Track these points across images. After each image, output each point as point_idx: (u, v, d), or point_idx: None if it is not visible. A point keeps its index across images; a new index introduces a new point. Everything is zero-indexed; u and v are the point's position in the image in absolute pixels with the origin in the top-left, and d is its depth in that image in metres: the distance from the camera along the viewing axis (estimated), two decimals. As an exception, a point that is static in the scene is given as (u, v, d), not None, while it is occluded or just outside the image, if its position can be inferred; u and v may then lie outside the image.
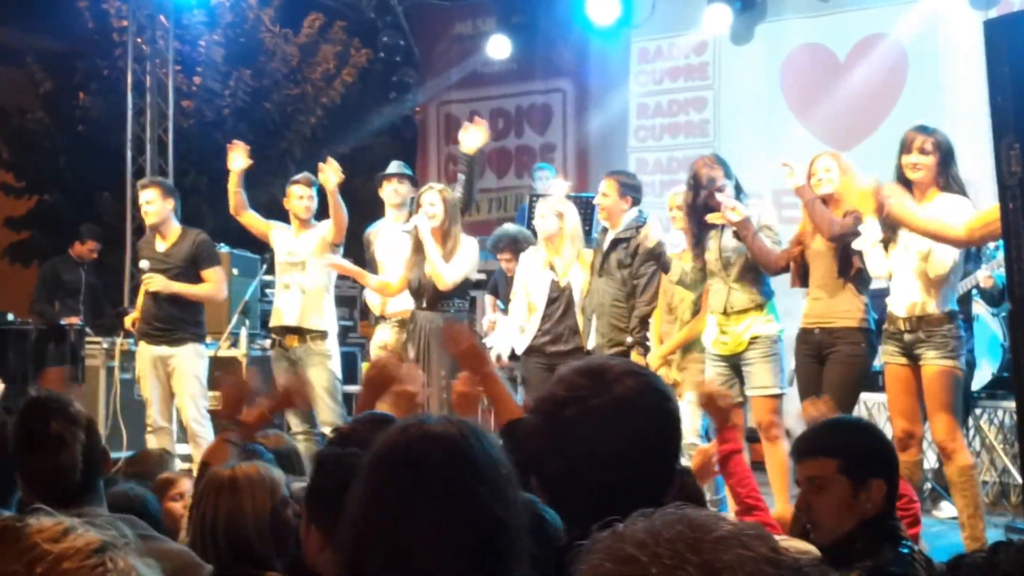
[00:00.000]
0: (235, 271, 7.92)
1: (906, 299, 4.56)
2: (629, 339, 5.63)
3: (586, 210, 6.69)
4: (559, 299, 5.93)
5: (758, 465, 5.41)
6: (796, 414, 5.13)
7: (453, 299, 5.89)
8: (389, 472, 1.57)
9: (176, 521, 3.49)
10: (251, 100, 11.77)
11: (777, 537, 2.89)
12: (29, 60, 12.03)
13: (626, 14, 9.43)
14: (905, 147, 4.58)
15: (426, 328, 5.84)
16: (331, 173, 6.07)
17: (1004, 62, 2.91)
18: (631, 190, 5.89)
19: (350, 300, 8.83)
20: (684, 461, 5.44)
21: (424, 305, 5.90)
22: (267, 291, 8.06)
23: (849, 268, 4.84)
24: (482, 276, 7.18)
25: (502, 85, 10.56)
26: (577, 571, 0.98)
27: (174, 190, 6.56)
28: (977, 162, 6.11)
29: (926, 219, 4.37)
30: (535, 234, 6.30)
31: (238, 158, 6.37)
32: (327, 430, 5.87)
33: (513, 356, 6.31)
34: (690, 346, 5.53)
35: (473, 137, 6.09)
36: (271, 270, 6.94)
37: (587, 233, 6.47)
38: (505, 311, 6.82)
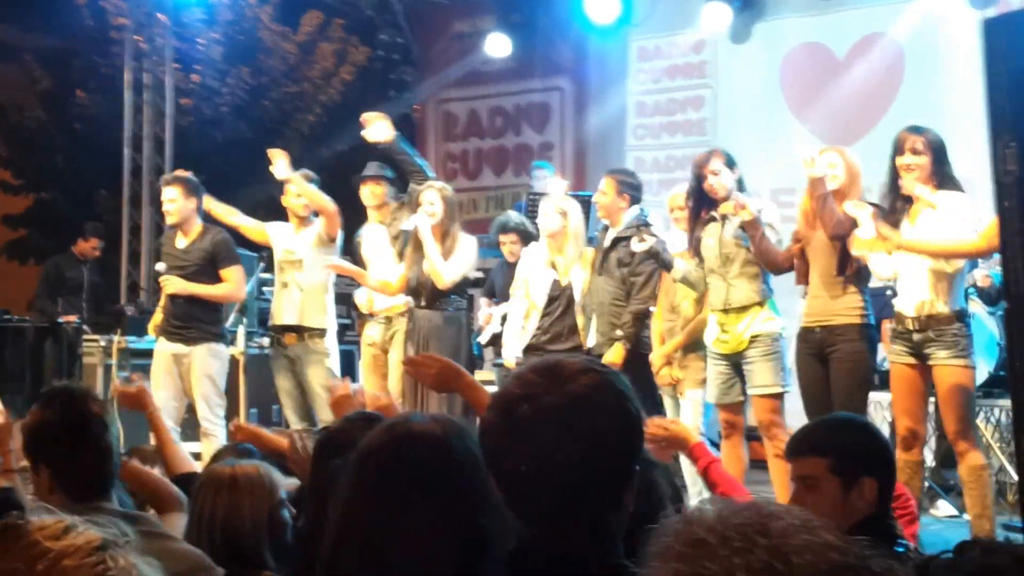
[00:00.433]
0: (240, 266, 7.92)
1: (914, 298, 4.54)
2: (619, 332, 5.61)
3: (584, 209, 6.69)
4: (560, 298, 5.92)
5: (760, 464, 5.42)
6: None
7: (451, 297, 5.90)
8: (370, 470, 1.58)
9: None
10: (249, 98, 11.77)
11: None
12: (27, 58, 12.03)
13: (625, 12, 9.43)
14: (897, 148, 4.57)
15: (425, 327, 5.85)
16: (278, 163, 6.12)
17: (1002, 61, 2.92)
18: (630, 188, 5.88)
19: (348, 298, 8.82)
20: (686, 462, 5.47)
21: (423, 303, 5.91)
22: (264, 289, 8.06)
23: (848, 265, 4.83)
24: (480, 275, 7.18)
25: (501, 83, 10.57)
26: (648, 553, 1.00)
27: (198, 187, 6.39)
28: (974, 161, 6.11)
29: (939, 242, 4.42)
30: (536, 231, 6.30)
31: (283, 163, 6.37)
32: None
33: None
34: (692, 345, 5.53)
35: (376, 131, 6.13)
36: (268, 268, 6.95)
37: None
38: (499, 303, 6.82)
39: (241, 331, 7.43)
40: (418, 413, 1.64)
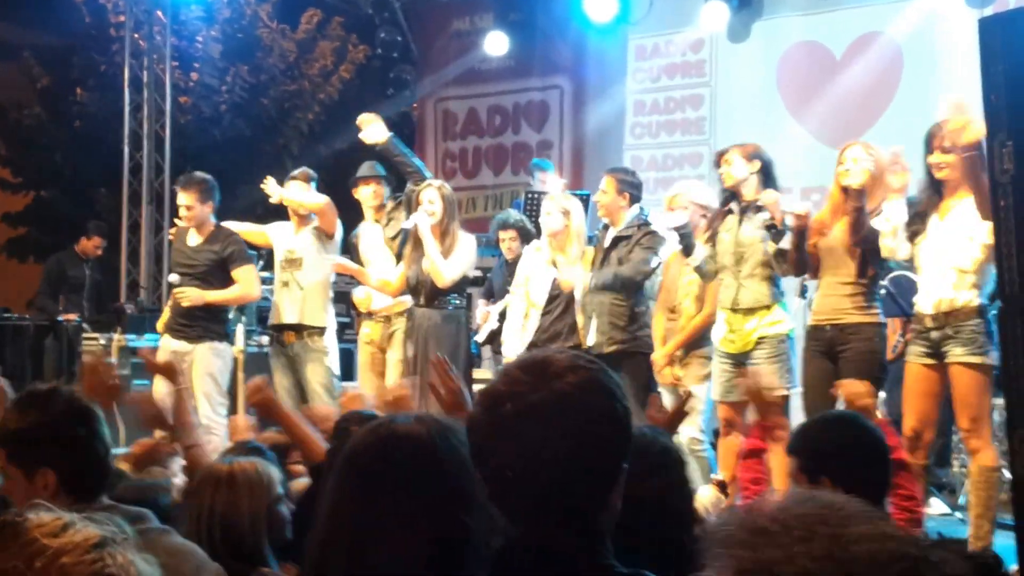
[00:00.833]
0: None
1: (933, 295, 4.45)
2: (609, 272, 5.60)
3: (583, 207, 6.69)
4: (560, 297, 5.93)
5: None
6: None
7: (451, 296, 5.90)
8: (353, 469, 1.58)
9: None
10: (248, 96, 11.77)
11: None
12: (26, 55, 12.02)
13: (624, 11, 9.43)
14: (928, 145, 4.43)
15: (424, 325, 5.86)
16: (272, 189, 6.25)
17: (998, 60, 2.93)
18: (630, 187, 5.89)
19: (347, 296, 8.83)
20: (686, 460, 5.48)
21: (422, 302, 5.91)
22: (263, 288, 8.06)
23: (866, 271, 4.79)
24: (478, 273, 7.18)
25: (499, 82, 10.57)
26: (710, 543, 1.03)
27: (213, 188, 6.37)
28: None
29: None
30: (538, 230, 6.29)
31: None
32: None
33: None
34: (693, 343, 5.53)
35: (372, 132, 6.22)
36: (266, 267, 6.95)
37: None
38: (495, 303, 6.82)
39: (240, 329, 7.44)
40: (403, 414, 1.63)
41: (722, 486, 4.42)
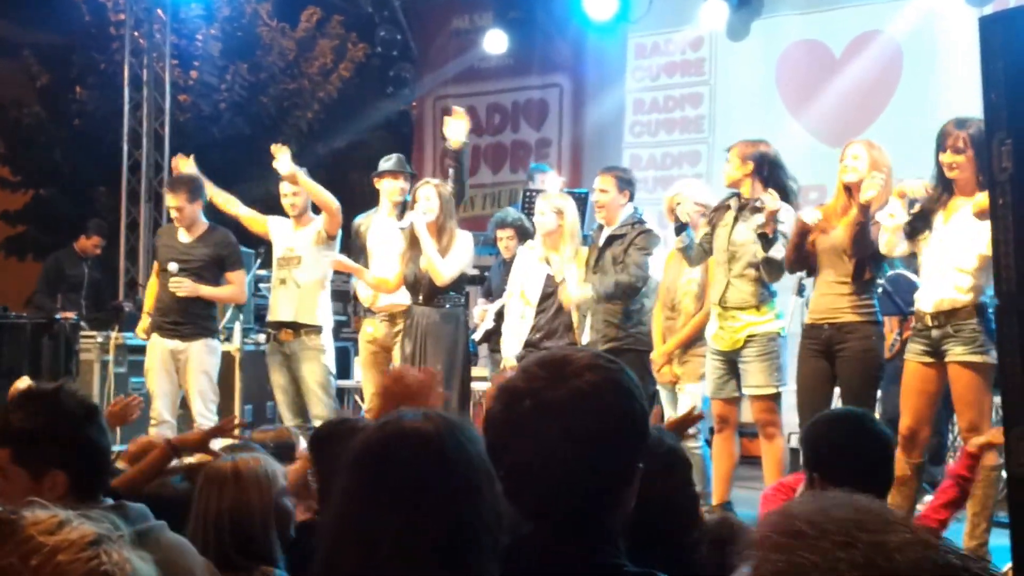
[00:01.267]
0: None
1: (934, 294, 4.44)
2: (611, 281, 5.57)
3: (579, 207, 6.69)
4: (554, 295, 5.93)
5: (751, 460, 5.45)
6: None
7: (449, 294, 5.90)
8: (362, 468, 1.58)
9: None
10: (248, 94, 11.76)
11: None
12: (25, 53, 12.01)
13: (623, 10, 9.44)
14: (940, 144, 4.41)
15: (422, 323, 5.85)
16: (281, 157, 6.09)
17: (998, 58, 2.92)
18: (628, 185, 5.91)
19: (344, 295, 8.83)
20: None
21: (420, 300, 5.91)
22: (260, 286, 8.06)
23: (864, 271, 4.79)
24: (476, 272, 7.18)
25: (499, 80, 10.57)
26: (747, 544, 1.01)
27: (201, 187, 6.41)
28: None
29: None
30: (534, 228, 6.29)
31: (187, 168, 6.42)
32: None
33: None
34: (692, 341, 5.54)
35: (456, 128, 6.08)
36: (264, 265, 6.95)
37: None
38: (493, 302, 6.82)
39: (237, 327, 7.44)
40: (410, 411, 1.63)
41: None
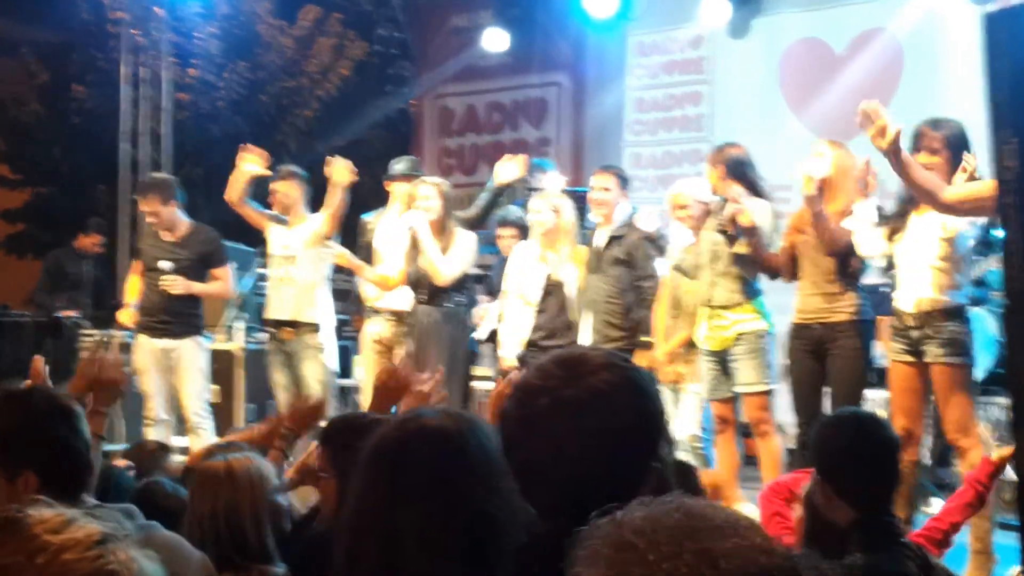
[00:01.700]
0: (232, 264, 7.91)
1: (913, 294, 4.47)
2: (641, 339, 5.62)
3: (580, 205, 6.68)
4: (553, 294, 5.92)
5: (751, 460, 5.44)
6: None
7: (451, 293, 5.89)
8: (383, 464, 1.58)
9: None
10: (247, 92, 11.76)
11: None
12: (24, 51, 12.02)
13: (623, 7, 9.42)
14: (915, 145, 4.45)
15: (424, 323, 5.85)
16: (342, 168, 6.09)
17: (1003, 56, 2.91)
18: (626, 183, 5.94)
19: (345, 294, 8.82)
20: (687, 457, 5.47)
21: (423, 299, 5.90)
22: (262, 284, 8.05)
23: (847, 268, 4.81)
24: (479, 271, 7.16)
25: (498, 78, 10.54)
26: (575, 557, 0.97)
27: (171, 186, 6.45)
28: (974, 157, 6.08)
29: (922, 175, 4.15)
30: None
31: (254, 165, 6.34)
32: (322, 424, 5.85)
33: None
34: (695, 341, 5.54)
35: (509, 171, 6.12)
36: (267, 263, 6.93)
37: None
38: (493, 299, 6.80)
39: (239, 326, 7.43)
40: (429, 409, 1.64)
41: None
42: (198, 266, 6.33)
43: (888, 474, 2.58)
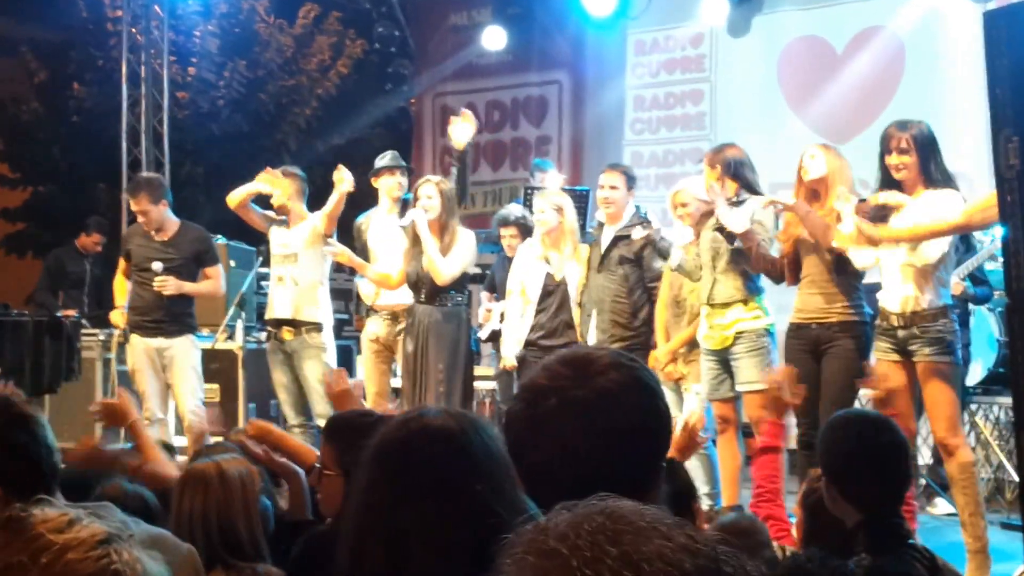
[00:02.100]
0: (232, 263, 7.92)
1: (898, 294, 4.50)
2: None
3: (581, 204, 6.68)
4: (554, 293, 5.92)
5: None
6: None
7: (451, 293, 5.88)
8: (388, 465, 1.58)
9: None
10: (246, 91, 11.74)
11: (780, 535, 2.89)
12: (23, 50, 12.00)
13: (623, 5, 9.41)
14: (885, 146, 4.52)
15: (424, 322, 5.84)
16: (347, 178, 6.11)
17: (1003, 54, 2.92)
18: (633, 182, 5.95)
19: (345, 293, 8.81)
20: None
21: (423, 299, 5.89)
22: (263, 283, 8.04)
23: (846, 265, 4.81)
24: (478, 270, 7.16)
25: (498, 77, 10.54)
26: (501, 565, 0.95)
27: (161, 186, 6.50)
28: (975, 156, 6.11)
29: (915, 227, 4.36)
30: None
31: (266, 186, 6.32)
32: (323, 423, 5.85)
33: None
34: (697, 341, 5.53)
35: (462, 130, 6.08)
36: (267, 262, 6.93)
37: (581, 228, 6.45)
38: (499, 299, 6.80)
39: (240, 326, 7.43)
40: (431, 408, 1.63)
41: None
42: (191, 265, 6.37)
43: (895, 476, 2.57)
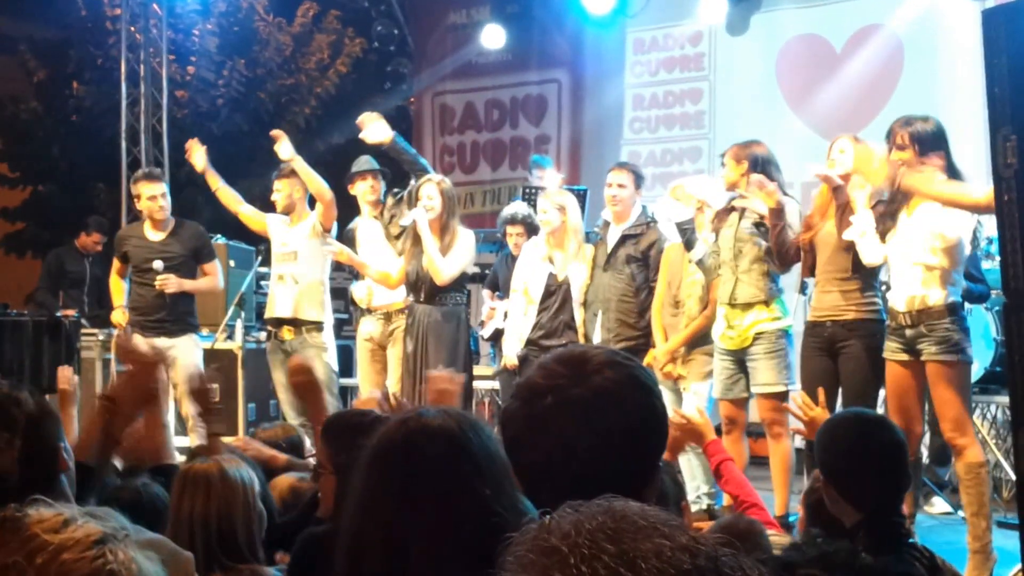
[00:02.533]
0: (231, 263, 7.92)
1: (906, 292, 4.47)
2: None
3: (579, 203, 6.68)
4: (556, 293, 5.92)
5: (763, 460, 5.41)
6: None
7: (450, 292, 5.88)
8: (386, 465, 1.57)
9: None
10: (245, 90, 11.73)
11: (769, 532, 2.89)
12: (22, 49, 11.98)
13: (622, 4, 9.42)
14: (891, 141, 4.50)
15: (424, 321, 5.84)
16: (283, 142, 6.13)
17: (1002, 52, 2.91)
18: (641, 181, 5.94)
19: (345, 292, 8.82)
20: (689, 457, 5.46)
21: (422, 298, 5.90)
22: (262, 283, 8.04)
23: (862, 265, 4.79)
24: (477, 270, 7.16)
25: (497, 75, 10.54)
26: (504, 564, 0.96)
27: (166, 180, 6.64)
28: (974, 154, 6.10)
29: (942, 188, 4.25)
30: None
31: (197, 158, 6.42)
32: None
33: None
34: (696, 340, 5.52)
35: (375, 131, 6.05)
36: (267, 261, 6.94)
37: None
38: (502, 298, 6.80)
39: (239, 325, 7.43)
40: (429, 408, 1.63)
41: None
42: (190, 262, 6.39)
43: (893, 476, 2.56)
